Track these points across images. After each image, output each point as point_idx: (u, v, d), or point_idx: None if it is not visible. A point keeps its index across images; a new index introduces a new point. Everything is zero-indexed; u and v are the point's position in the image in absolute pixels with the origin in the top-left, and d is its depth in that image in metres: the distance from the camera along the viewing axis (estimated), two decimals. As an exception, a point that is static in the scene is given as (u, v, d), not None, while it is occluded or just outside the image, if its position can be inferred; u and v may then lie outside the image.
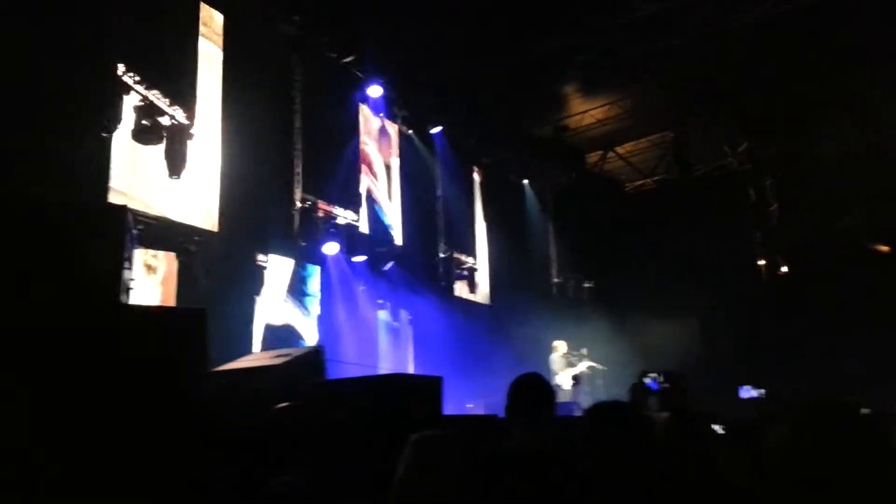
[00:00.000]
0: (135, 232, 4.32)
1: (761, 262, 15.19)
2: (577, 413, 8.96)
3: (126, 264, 3.62)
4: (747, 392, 10.40)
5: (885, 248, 14.19)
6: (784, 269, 14.89)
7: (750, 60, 12.05)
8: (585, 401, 11.04)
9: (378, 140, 12.54)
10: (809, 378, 11.62)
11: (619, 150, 16.41)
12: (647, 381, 6.08)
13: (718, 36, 11.38)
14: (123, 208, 3.66)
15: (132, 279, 4.12)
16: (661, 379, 6.23)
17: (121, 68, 7.32)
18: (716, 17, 11.05)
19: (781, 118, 14.26)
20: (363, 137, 11.96)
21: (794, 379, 11.94)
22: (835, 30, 11.08)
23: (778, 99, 13.51)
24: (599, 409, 2.07)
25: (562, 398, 10.73)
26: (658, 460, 1.90)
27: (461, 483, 2.03)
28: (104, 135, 7.20)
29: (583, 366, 11.51)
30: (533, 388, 2.63)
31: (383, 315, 12.02)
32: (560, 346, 11.72)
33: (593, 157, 16.66)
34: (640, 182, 17.46)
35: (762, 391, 10.41)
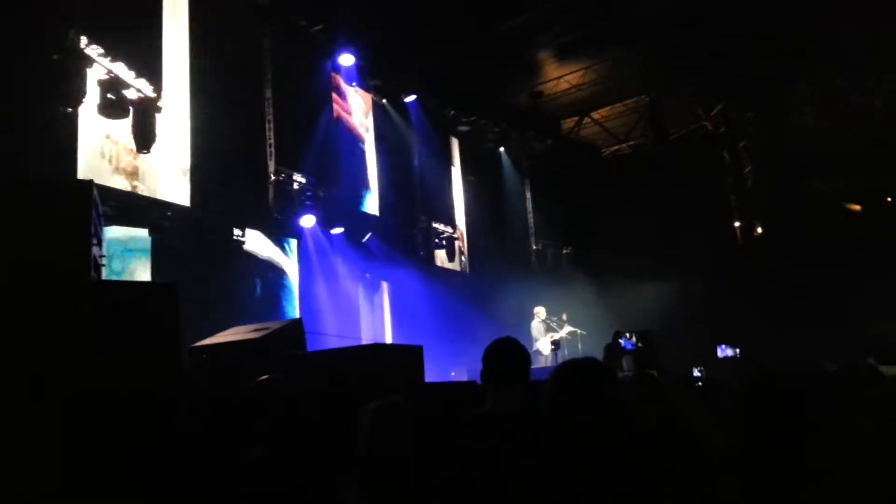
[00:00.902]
0: (103, 208, 4.23)
1: (737, 224, 15.36)
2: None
3: (94, 241, 3.55)
4: (723, 351, 10.61)
5: (856, 207, 14.41)
6: (759, 230, 15.08)
7: (722, 25, 11.99)
8: (566, 365, 11.17)
9: (351, 110, 12.37)
10: (784, 338, 11.87)
11: (595, 115, 16.36)
12: (621, 341, 6.16)
13: (690, 3, 11.32)
14: (89, 183, 3.57)
15: (102, 255, 4.05)
16: (634, 339, 6.32)
17: (83, 41, 7.11)
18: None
19: (755, 80, 14.30)
20: (336, 107, 11.80)
21: (769, 339, 12.19)
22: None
23: (749, 62, 13.51)
24: (564, 367, 2.08)
25: (542, 363, 10.85)
26: (620, 415, 1.91)
27: (419, 446, 2.04)
28: (68, 110, 7.02)
29: (563, 331, 11.62)
30: (505, 352, 2.64)
31: (363, 286, 12.01)
32: (540, 312, 11.82)
33: (569, 122, 16.61)
34: (617, 147, 17.46)
35: (737, 350, 10.62)
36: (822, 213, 13.76)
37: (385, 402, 2.11)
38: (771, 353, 11.47)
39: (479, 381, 3.24)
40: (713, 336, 11.97)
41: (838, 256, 12.76)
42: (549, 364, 10.91)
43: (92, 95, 7.27)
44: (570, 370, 2.04)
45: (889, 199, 14.04)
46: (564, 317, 12.05)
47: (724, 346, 10.80)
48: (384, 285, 12.51)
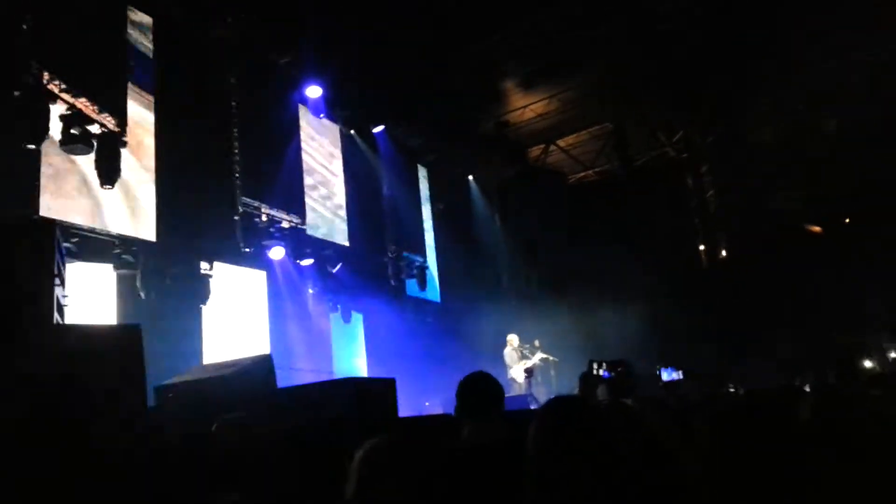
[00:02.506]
0: (67, 246, 4.14)
1: (702, 248, 15.64)
2: (533, 405, 9.05)
3: (57, 281, 3.46)
4: (668, 374, 10.76)
5: (816, 229, 14.78)
6: (724, 253, 15.36)
7: (679, 48, 12.31)
8: (539, 392, 11.16)
9: (319, 141, 12.37)
10: (751, 359, 12.05)
11: (561, 143, 16.61)
12: (595, 369, 6.19)
13: (646, 28, 11.62)
14: (51, 222, 3.49)
15: (65, 296, 3.95)
16: (607, 368, 6.36)
17: (46, 76, 7.01)
18: (644, 6, 11.29)
19: (712, 105, 14.67)
20: (304, 139, 11.78)
21: (737, 361, 12.36)
22: (762, 14, 11.43)
23: (708, 85, 13.86)
24: (551, 407, 2.08)
25: (516, 391, 10.82)
26: (608, 452, 1.91)
27: (409, 488, 2.01)
28: (31, 146, 6.89)
29: (535, 358, 11.62)
30: (479, 387, 2.65)
31: (334, 317, 11.90)
32: (513, 340, 11.81)
33: (535, 150, 16.83)
34: (583, 174, 17.72)
35: (680, 373, 10.78)
36: (783, 235, 14.10)
37: (377, 444, 2.06)
38: (728, 374, 11.64)
39: (453, 413, 3.22)
40: (683, 360, 12.07)
41: (800, 276, 13.05)
42: (523, 391, 10.88)
43: (54, 130, 7.16)
44: (558, 406, 2.04)
45: (847, 220, 14.43)
46: (537, 343, 12.07)
47: (670, 369, 10.92)
48: (355, 315, 12.41)
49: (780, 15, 11.38)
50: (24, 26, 6.91)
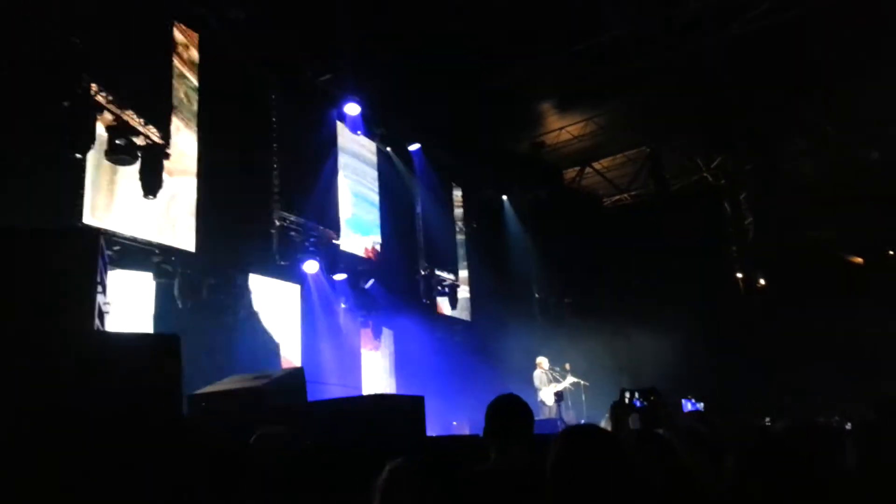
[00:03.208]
0: (109, 254, 4.24)
1: (739, 276, 15.36)
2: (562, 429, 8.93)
3: (99, 288, 3.54)
4: (691, 405, 10.54)
5: (858, 260, 14.43)
6: (762, 281, 15.06)
7: (720, 78, 12.23)
8: (569, 416, 11.03)
9: (356, 158, 12.51)
10: (785, 391, 11.76)
11: (597, 165, 16.54)
12: (627, 398, 6.09)
13: (688, 56, 11.56)
14: (96, 231, 3.58)
15: (107, 303, 4.04)
16: (639, 396, 6.25)
17: (94, 88, 7.23)
18: (684, 38, 11.22)
19: (754, 133, 14.50)
20: (341, 155, 11.93)
21: (773, 392, 12.07)
22: (803, 48, 11.31)
23: (748, 114, 13.73)
24: (571, 435, 2.05)
25: (545, 414, 10.71)
26: (629, 483, 1.87)
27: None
28: (77, 155, 7.09)
29: (566, 382, 11.49)
30: (509, 410, 2.62)
31: (365, 333, 11.94)
32: (543, 363, 11.71)
33: (570, 172, 16.78)
34: (618, 197, 17.60)
35: (701, 405, 10.55)
36: (823, 265, 13.79)
37: (401, 466, 2.06)
38: (762, 406, 11.33)
39: (479, 434, 3.19)
40: (714, 390, 11.80)
41: (838, 310, 12.73)
42: (552, 415, 10.76)
43: (101, 141, 7.37)
44: (577, 436, 2.01)
45: (891, 252, 14.07)
46: (567, 366, 11.94)
47: (690, 400, 10.69)
48: (386, 332, 12.44)
49: (819, 48, 11.24)
50: (77, 39, 7.14)
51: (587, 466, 1.88)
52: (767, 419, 10.41)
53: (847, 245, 14.36)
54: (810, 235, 14.21)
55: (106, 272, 3.92)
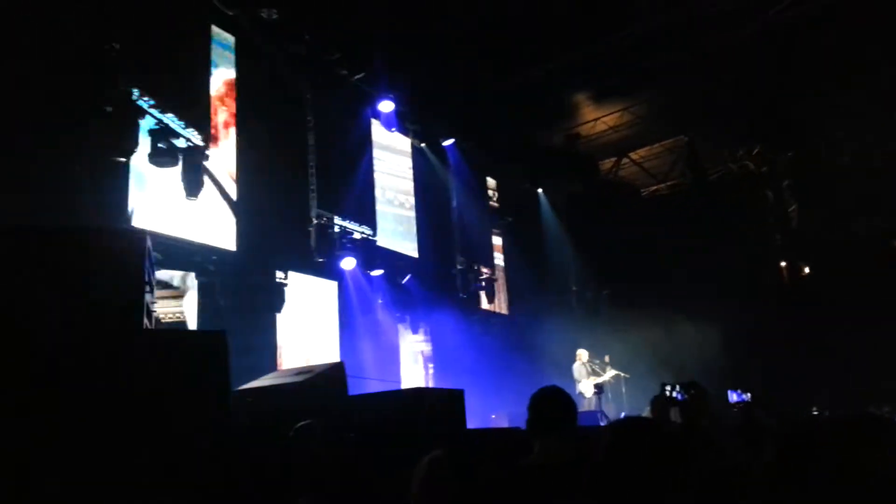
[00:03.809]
0: (155, 255, 4.37)
1: (783, 264, 15.03)
2: (603, 422, 8.89)
3: (147, 288, 3.65)
4: (737, 396, 10.36)
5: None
6: (806, 270, 14.72)
7: (760, 66, 11.98)
8: (609, 409, 10.96)
9: (391, 154, 12.60)
10: (832, 383, 11.49)
11: (633, 155, 16.35)
12: (668, 391, 6.02)
13: (724, 44, 11.33)
14: (142, 232, 3.69)
15: (154, 302, 4.16)
16: (680, 390, 6.17)
17: (135, 93, 7.42)
18: (721, 26, 11.00)
19: (794, 121, 14.17)
20: (376, 152, 12.02)
21: (816, 382, 11.80)
22: (842, 34, 11.00)
23: (790, 102, 13.42)
24: (622, 427, 2.05)
25: (585, 407, 10.66)
26: (678, 477, 1.87)
27: (473, 501, 2.02)
28: (121, 159, 7.29)
29: (607, 375, 11.42)
30: (553, 402, 2.61)
31: (403, 328, 12.03)
32: (582, 355, 11.65)
33: (607, 163, 16.62)
34: (655, 187, 17.37)
35: (748, 395, 10.35)
36: (870, 254, 13.41)
37: (438, 456, 2.09)
38: (807, 398, 11.08)
39: (521, 427, 3.19)
40: (731, 379, 11.58)
41: (884, 298, 12.36)
42: (592, 407, 10.71)
43: (143, 145, 7.57)
44: (628, 428, 2.01)
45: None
46: (607, 359, 11.86)
47: (737, 391, 10.51)
48: (423, 327, 12.51)
49: (858, 34, 10.91)
50: (116, 45, 7.33)
51: (639, 459, 1.88)
52: (815, 409, 10.20)
53: (893, 232, 13.92)
54: (855, 223, 13.82)
55: (153, 272, 4.04)
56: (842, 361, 12.04)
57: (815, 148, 14.44)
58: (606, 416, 9.77)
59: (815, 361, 12.37)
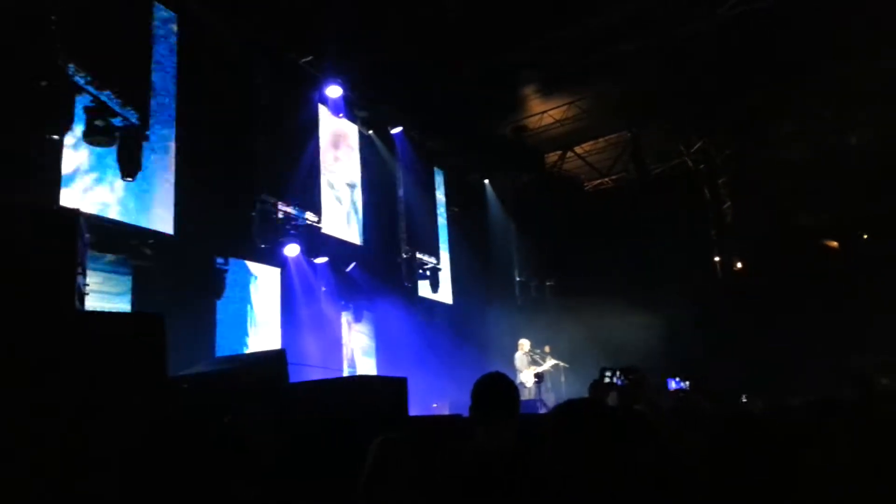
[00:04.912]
0: (87, 237, 4.21)
1: (717, 259, 15.56)
2: (542, 410, 9.04)
3: (79, 269, 3.52)
4: (676, 384, 10.79)
5: (833, 244, 14.67)
6: (739, 265, 15.28)
7: (705, 62, 12.31)
8: (549, 398, 11.16)
9: (337, 140, 12.45)
10: (762, 371, 11.98)
11: (578, 149, 16.61)
12: (607, 377, 6.16)
13: (671, 40, 11.61)
14: (75, 212, 3.55)
15: (87, 285, 4.01)
16: (619, 374, 6.33)
17: (71, 68, 7.10)
18: (668, 22, 11.25)
19: (733, 118, 14.64)
20: (322, 138, 11.85)
21: (748, 372, 12.29)
22: (782, 35, 11.41)
23: (730, 99, 13.85)
24: (567, 408, 2.09)
25: (525, 396, 10.82)
26: (623, 457, 1.92)
27: (422, 484, 2.03)
28: (54, 137, 6.98)
29: (547, 364, 11.62)
30: (495, 388, 2.63)
31: (346, 316, 11.95)
32: (524, 345, 11.82)
33: (552, 156, 16.84)
34: (599, 181, 17.70)
35: (687, 383, 10.79)
36: (799, 249, 14.02)
37: (389, 439, 2.09)
38: (739, 387, 11.54)
39: (462, 414, 3.21)
40: (669, 368, 12.00)
41: (814, 292, 12.96)
42: (532, 396, 10.89)
43: (77, 123, 7.26)
44: (573, 408, 2.05)
45: (865, 237, 14.31)
46: (547, 349, 12.07)
47: (676, 380, 10.93)
48: (367, 315, 12.45)
49: (801, 32, 11.33)
50: (53, 17, 7.00)
51: (585, 438, 1.92)
52: (744, 397, 10.63)
53: (823, 229, 14.59)
54: (787, 219, 14.42)
55: (86, 254, 3.90)
56: (772, 352, 12.57)
57: (752, 144, 14.95)
58: (546, 405, 9.94)
59: (747, 352, 12.87)
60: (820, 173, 13.90)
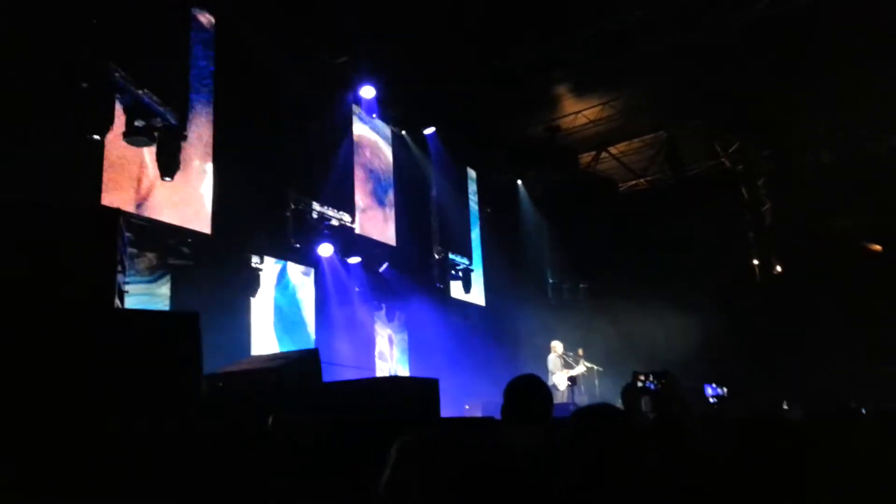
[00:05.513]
0: (128, 235, 4.29)
1: (755, 262, 15.24)
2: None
3: (119, 268, 3.58)
4: (713, 390, 10.57)
5: (877, 248, 14.26)
6: (778, 268, 14.94)
7: (740, 62, 12.09)
8: (582, 401, 11.05)
9: (371, 141, 12.51)
10: (801, 378, 11.70)
11: (612, 150, 16.43)
12: (640, 381, 6.07)
13: (706, 40, 11.41)
14: (116, 211, 3.62)
15: (126, 282, 4.09)
16: (652, 379, 6.23)
17: (112, 68, 7.25)
18: (702, 20, 11.06)
19: (773, 119, 14.33)
20: (356, 138, 11.93)
21: (789, 378, 12.01)
22: (824, 33, 11.14)
23: (769, 100, 13.57)
24: (585, 413, 2.06)
25: (558, 399, 10.73)
26: (642, 463, 1.89)
27: (446, 485, 2.01)
28: (95, 136, 7.14)
29: (580, 368, 11.51)
30: (528, 391, 2.61)
31: (379, 316, 12.00)
32: (557, 347, 11.73)
33: (586, 157, 16.68)
34: (634, 182, 17.49)
35: (725, 389, 10.56)
36: (841, 253, 13.65)
37: (413, 439, 2.08)
38: (777, 392, 11.27)
39: (495, 416, 3.19)
40: (706, 373, 11.77)
41: (856, 296, 12.61)
42: (565, 399, 10.80)
43: (118, 122, 7.40)
44: (591, 414, 2.02)
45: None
46: (580, 352, 11.95)
47: (712, 385, 10.71)
48: (399, 315, 12.49)
49: (840, 33, 11.05)
50: (94, 20, 7.16)
51: (600, 444, 1.89)
52: (785, 404, 10.39)
53: (865, 232, 14.19)
54: (828, 224, 14.05)
55: (126, 252, 3.97)
56: (811, 359, 12.27)
57: (792, 146, 14.63)
58: (578, 408, 9.85)
59: (789, 357, 12.58)
60: (863, 174, 13.53)
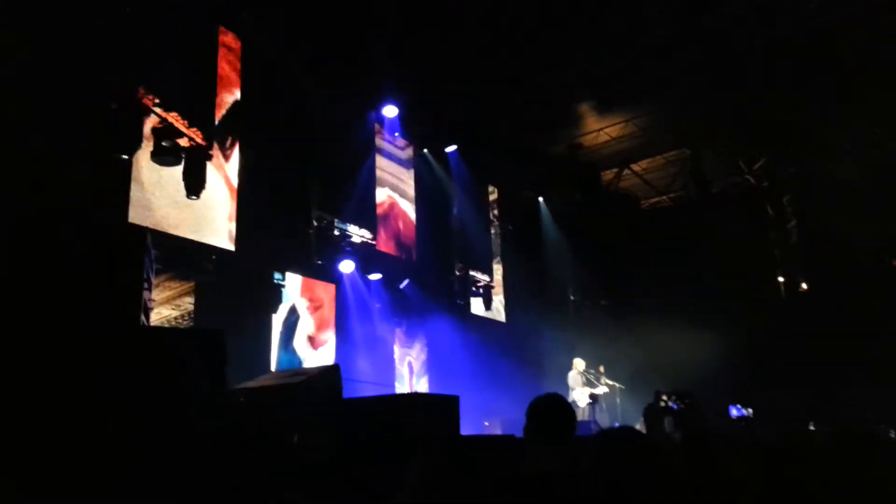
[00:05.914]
0: (154, 253, 4.36)
1: (781, 280, 15.02)
2: (595, 433, 8.87)
3: (146, 285, 3.65)
4: (738, 411, 10.38)
5: (906, 265, 13.99)
6: (804, 286, 14.71)
7: (765, 78, 12.02)
8: (603, 419, 10.94)
9: (393, 159, 12.61)
10: (829, 399, 11.47)
11: (635, 167, 16.36)
12: (663, 401, 5.98)
13: (730, 56, 11.37)
14: (143, 230, 3.70)
15: (152, 300, 4.16)
16: (675, 399, 6.14)
17: (141, 91, 7.43)
18: (728, 38, 11.04)
19: (798, 134, 14.18)
20: (378, 156, 12.04)
21: (816, 398, 11.78)
22: (851, 49, 11.05)
23: (794, 116, 13.45)
24: (608, 437, 2.06)
25: (579, 416, 10.65)
26: (666, 488, 1.87)
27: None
28: (124, 156, 7.30)
29: (602, 387, 11.42)
30: (552, 410, 2.61)
31: (399, 333, 12.02)
32: (578, 364, 11.65)
33: (608, 174, 16.62)
34: (656, 199, 17.39)
35: (750, 410, 10.36)
36: (868, 270, 13.41)
37: (434, 456, 2.08)
38: (804, 413, 11.05)
39: (515, 434, 3.18)
40: (731, 393, 11.55)
41: (885, 315, 12.36)
42: (586, 417, 10.70)
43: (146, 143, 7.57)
44: (614, 439, 2.02)
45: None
46: (602, 369, 11.85)
47: (737, 406, 10.52)
48: (420, 332, 12.50)
49: (865, 49, 10.96)
50: (123, 43, 7.35)
51: (623, 469, 1.89)
52: (812, 425, 10.19)
53: (893, 249, 13.93)
54: (855, 239, 13.82)
55: (152, 270, 4.04)
56: (840, 378, 12.02)
57: (818, 161, 14.45)
58: (600, 427, 9.75)
59: (815, 377, 12.35)
60: (883, 191, 13.31)
